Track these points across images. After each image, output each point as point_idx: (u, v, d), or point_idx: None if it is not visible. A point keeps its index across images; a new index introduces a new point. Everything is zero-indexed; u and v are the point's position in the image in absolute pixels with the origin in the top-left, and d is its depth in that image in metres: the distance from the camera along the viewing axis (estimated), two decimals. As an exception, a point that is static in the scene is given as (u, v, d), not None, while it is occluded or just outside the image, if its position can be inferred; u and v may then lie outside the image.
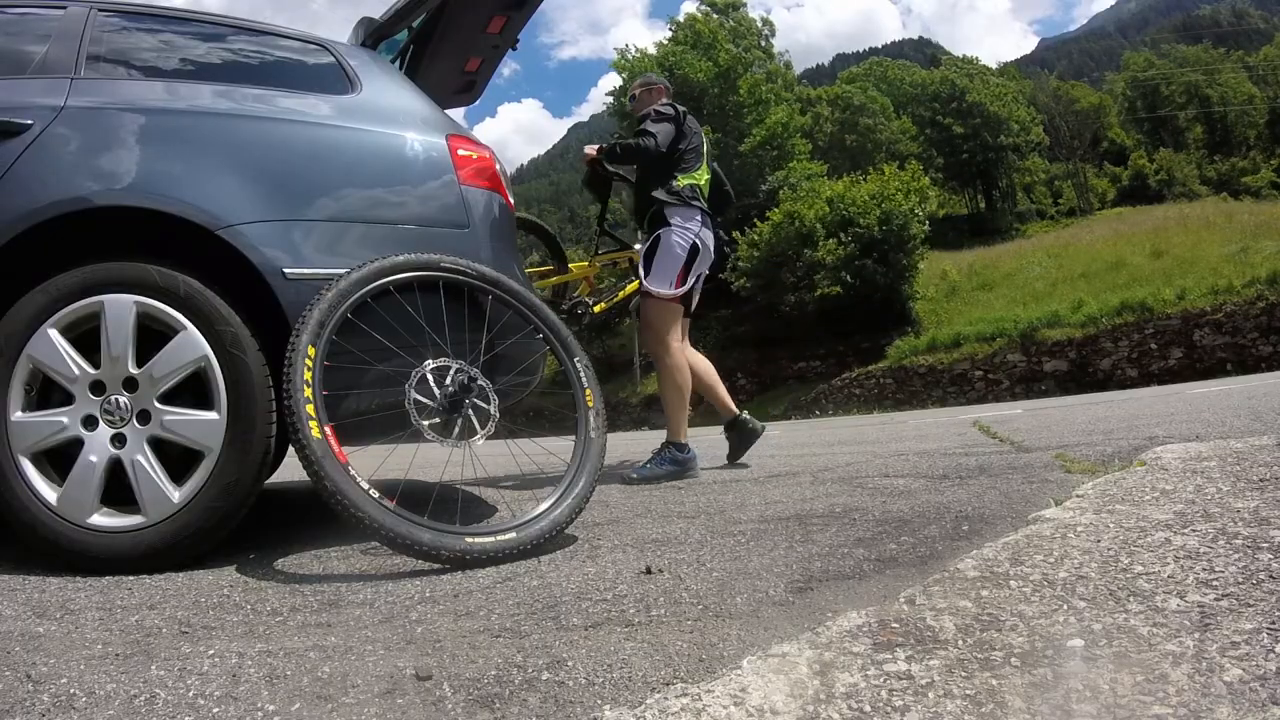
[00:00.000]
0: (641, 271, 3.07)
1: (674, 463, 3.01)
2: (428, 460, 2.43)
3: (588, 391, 1.95)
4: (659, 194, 3.09)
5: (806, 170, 23.60)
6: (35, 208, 1.60)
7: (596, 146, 3.23)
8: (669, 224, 3.08)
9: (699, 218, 3.12)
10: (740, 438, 3.37)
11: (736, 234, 19.27)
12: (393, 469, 2.09)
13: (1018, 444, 3.29)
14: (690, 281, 3.11)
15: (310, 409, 1.52)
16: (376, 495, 1.50)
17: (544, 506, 1.71)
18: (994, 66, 44.17)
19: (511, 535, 1.59)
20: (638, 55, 24.65)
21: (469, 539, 1.54)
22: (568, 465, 1.86)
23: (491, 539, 1.56)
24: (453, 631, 1.11)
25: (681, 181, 3.12)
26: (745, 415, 3.37)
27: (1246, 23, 59.43)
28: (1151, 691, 0.74)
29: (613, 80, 25.91)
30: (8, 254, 1.60)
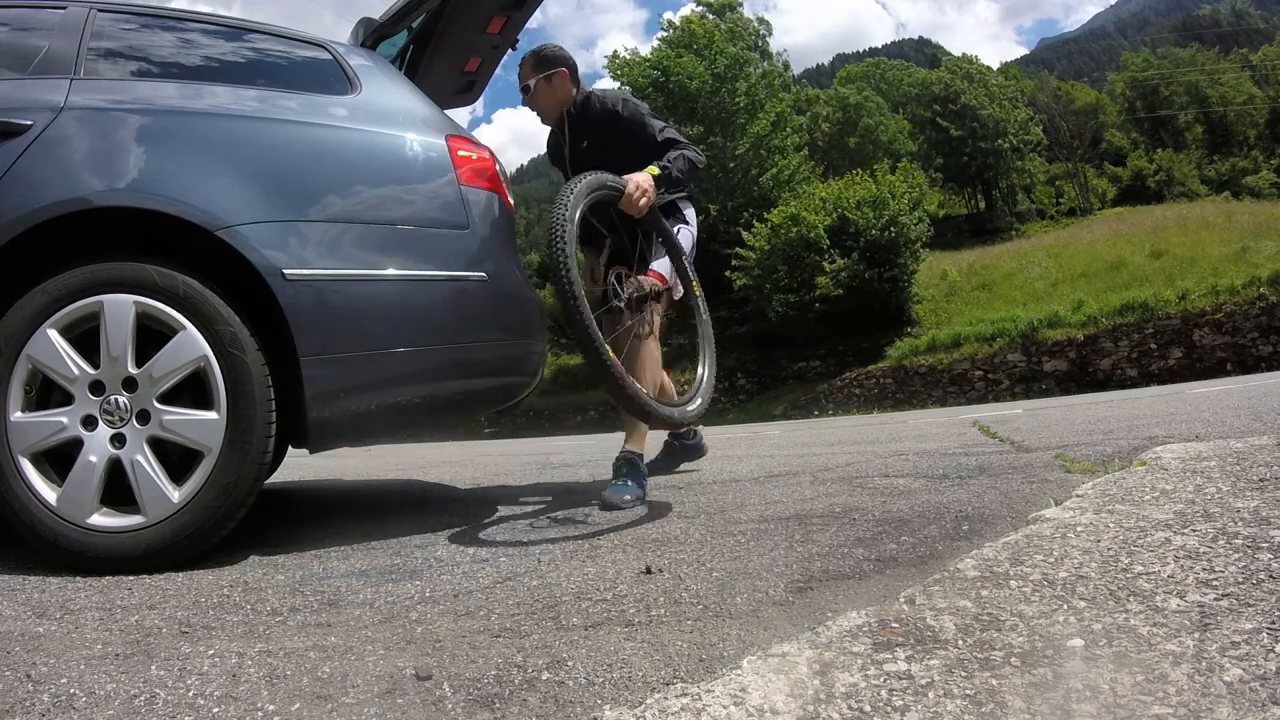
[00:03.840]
0: (656, 256, 2.57)
1: (643, 477, 2.48)
2: (426, 461, 2.43)
3: (695, 283, 2.51)
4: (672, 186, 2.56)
5: (791, 164, 23.42)
6: (35, 208, 1.60)
7: (649, 181, 2.39)
8: (687, 221, 2.71)
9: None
10: (682, 449, 3.13)
11: (743, 233, 19.25)
12: (392, 470, 2.09)
13: (1018, 444, 3.29)
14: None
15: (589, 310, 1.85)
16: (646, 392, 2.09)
17: (698, 386, 2.34)
18: (994, 67, 44.08)
19: (695, 404, 2.24)
20: (632, 58, 24.42)
21: (683, 409, 2.19)
22: (699, 356, 2.43)
23: (686, 409, 2.20)
24: (453, 631, 1.11)
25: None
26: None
27: (1246, 23, 59.45)
28: (1151, 691, 0.74)
29: (606, 84, 25.47)
30: (8, 254, 1.60)
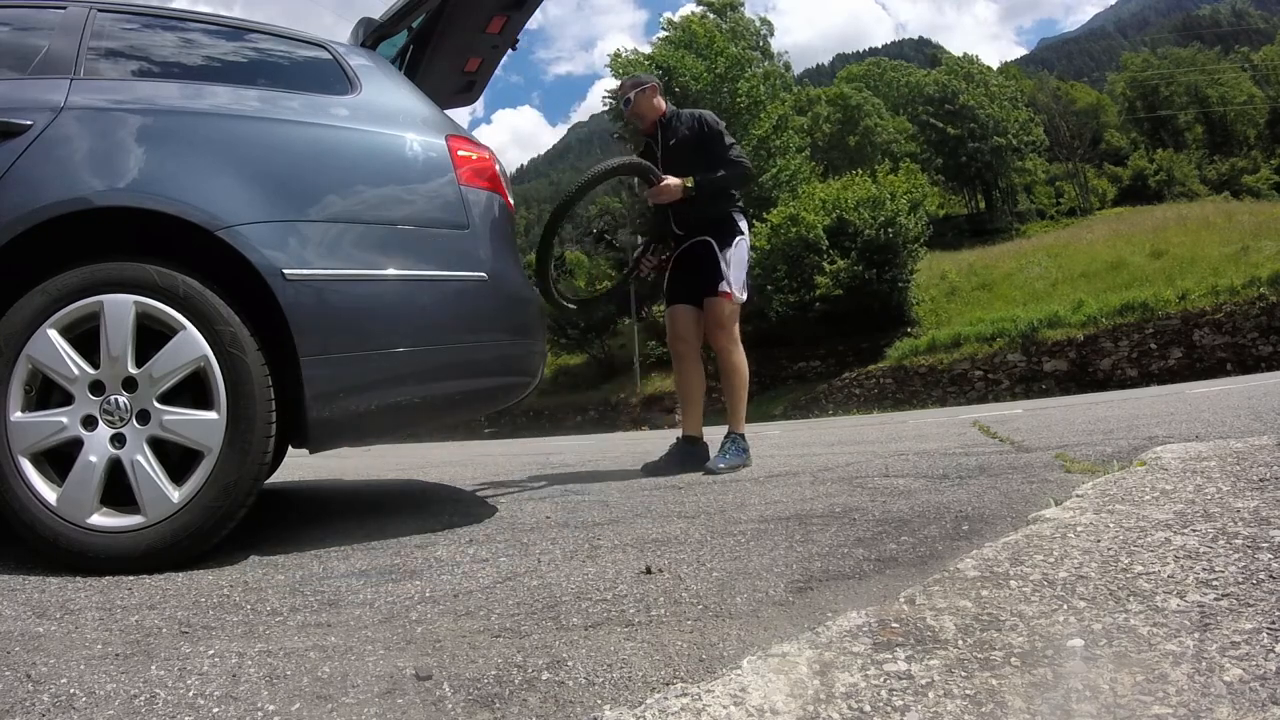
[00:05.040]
0: (721, 275, 3.17)
1: (744, 451, 3.20)
2: (426, 461, 2.42)
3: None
4: (726, 202, 3.24)
5: (791, 165, 23.33)
6: (35, 208, 1.60)
7: (679, 183, 3.10)
8: (741, 232, 3.24)
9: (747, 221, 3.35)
10: (689, 454, 3.32)
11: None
12: (392, 470, 2.09)
13: (1018, 444, 3.29)
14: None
15: None
16: None
17: None
18: (994, 67, 44.01)
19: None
20: (633, 57, 24.22)
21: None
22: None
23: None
24: (453, 631, 1.11)
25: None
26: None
27: (1246, 23, 59.41)
28: (1151, 691, 0.74)
29: (608, 83, 25.27)
30: (8, 254, 1.60)
